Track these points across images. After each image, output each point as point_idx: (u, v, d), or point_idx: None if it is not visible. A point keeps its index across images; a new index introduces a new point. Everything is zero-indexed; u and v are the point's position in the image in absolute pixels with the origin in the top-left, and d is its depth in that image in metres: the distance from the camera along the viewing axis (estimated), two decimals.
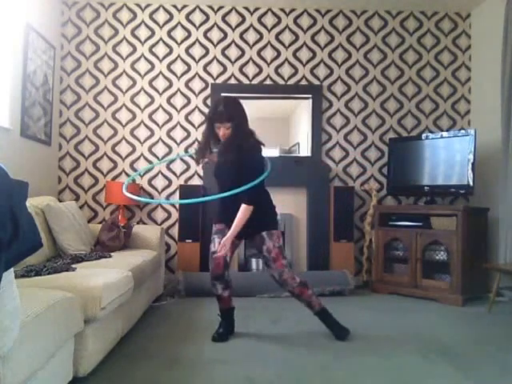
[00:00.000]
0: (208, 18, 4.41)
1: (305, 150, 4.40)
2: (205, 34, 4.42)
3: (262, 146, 2.54)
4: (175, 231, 4.27)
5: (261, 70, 4.43)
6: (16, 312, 1.26)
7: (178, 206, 4.20)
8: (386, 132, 4.49)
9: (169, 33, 4.40)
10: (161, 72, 4.39)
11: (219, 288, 2.59)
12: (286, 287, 2.56)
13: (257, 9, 4.44)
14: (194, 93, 4.39)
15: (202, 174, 4.32)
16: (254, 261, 4.20)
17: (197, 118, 4.39)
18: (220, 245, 2.47)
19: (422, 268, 3.79)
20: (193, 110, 4.39)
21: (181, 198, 4.08)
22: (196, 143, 2.72)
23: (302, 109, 4.46)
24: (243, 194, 2.38)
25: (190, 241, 4.02)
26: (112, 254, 3.07)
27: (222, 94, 2.62)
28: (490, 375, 2.08)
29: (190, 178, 4.36)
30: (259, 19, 4.44)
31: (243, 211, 2.44)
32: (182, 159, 4.36)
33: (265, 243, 2.52)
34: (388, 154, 4.32)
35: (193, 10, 4.41)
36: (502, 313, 3.30)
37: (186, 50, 4.41)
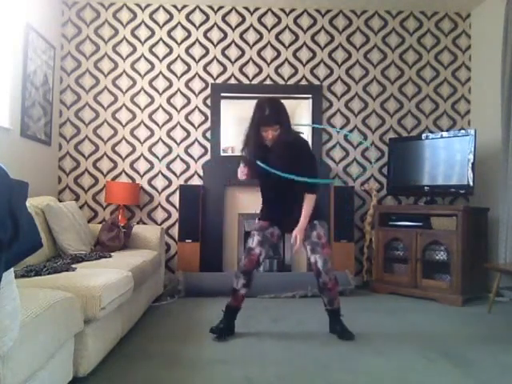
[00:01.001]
0: (208, 18, 4.41)
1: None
2: (205, 34, 4.42)
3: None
4: (175, 231, 4.27)
5: (261, 70, 4.43)
6: (16, 312, 1.26)
7: (178, 205, 4.20)
8: (386, 132, 4.49)
9: (169, 33, 4.40)
10: (161, 72, 4.39)
11: (240, 283, 2.62)
12: (323, 277, 2.55)
13: (257, 9, 4.44)
14: (193, 93, 4.39)
15: (201, 173, 4.32)
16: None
17: (197, 117, 4.39)
18: (294, 237, 2.52)
19: (421, 268, 3.79)
20: (193, 110, 4.39)
21: (181, 197, 4.07)
22: (243, 151, 2.60)
23: (302, 109, 4.46)
24: (303, 186, 2.44)
25: (189, 241, 4.02)
26: (112, 253, 3.07)
27: (263, 96, 2.59)
28: (490, 375, 2.08)
29: (190, 177, 4.36)
30: (259, 19, 4.44)
31: (310, 201, 2.52)
32: (181, 159, 4.36)
33: (315, 229, 2.57)
34: (388, 154, 4.32)
35: (193, 10, 4.41)
36: (502, 313, 3.31)
37: (186, 50, 4.41)
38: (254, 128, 2.49)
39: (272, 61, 4.44)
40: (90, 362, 1.92)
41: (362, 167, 4.44)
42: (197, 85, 4.40)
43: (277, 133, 2.44)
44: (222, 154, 4.35)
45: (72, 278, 2.06)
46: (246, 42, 4.43)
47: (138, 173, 4.34)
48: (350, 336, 2.58)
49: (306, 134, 4.39)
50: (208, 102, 4.38)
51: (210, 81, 4.40)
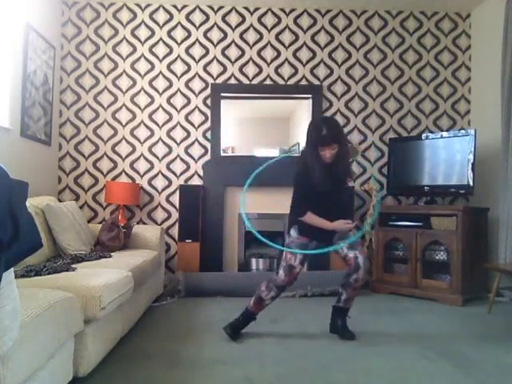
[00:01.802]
0: (208, 18, 4.41)
1: None
2: (205, 34, 4.42)
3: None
4: (175, 231, 4.27)
5: (261, 70, 4.43)
6: (16, 312, 1.26)
7: (178, 205, 4.20)
8: (386, 132, 4.49)
9: (169, 33, 4.40)
10: (161, 72, 4.39)
11: (270, 295, 2.61)
12: (360, 274, 2.52)
13: (257, 9, 4.44)
14: (193, 93, 4.39)
15: (201, 174, 4.32)
16: (253, 261, 4.20)
17: (197, 118, 4.39)
18: (345, 227, 2.51)
19: (422, 268, 3.79)
20: (193, 110, 4.39)
21: (181, 197, 4.07)
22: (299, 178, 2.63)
23: (302, 109, 4.46)
24: (344, 209, 2.61)
25: (189, 241, 4.02)
26: (112, 253, 3.07)
27: (319, 117, 2.61)
28: (490, 375, 2.08)
29: (190, 178, 4.36)
30: (259, 19, 4.44)
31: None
32: (181, 159, 4.36)
33: (352, 230, 2.58)
34: (388, 154, 4.32)
35: (193, 10, 4.41)
36: (502, 313, 3.30)
37: (186, 50, 4.41)
38: (311, 148, 2.49)
39: (272, 61, 4.44)
40: (90, 362, 1.92)
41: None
42: (197, 85, 4.40)
43: (334, 151, 2.45)
44: (222, 154, 4.35)
45: (72, 278, 2.06)
46: (246, 42, 4.43)
47: (138, 173, 4.34)
48: (351, 336, 2.58)
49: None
50: (208, 102, 4.38)
51: (210, 81, 4.40)
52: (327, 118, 2.58)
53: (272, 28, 4.45)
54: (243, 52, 4.43)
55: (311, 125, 2.56)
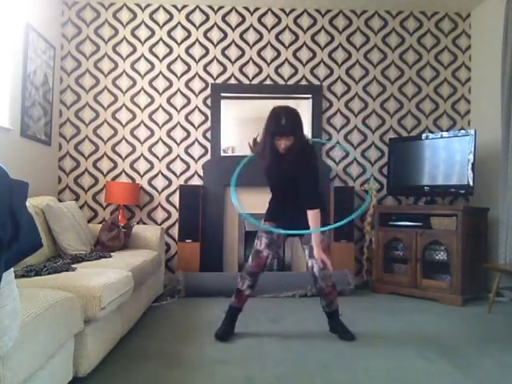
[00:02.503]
0: (208, 18, 4.41)
1: None
2: (205, 34, 4.42)
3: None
4: (175, 231, 4.27)
5: (261, 70, 4.43)
6: (16, 312, 1.26)
7: (178, 205, 4.20)
8: (386, 132, 4.49)
9: (169, 33, 4.40)
10: (161, 72, 4.39)
11: (246, 284, 2.63)
12: (320, 283, 2.55)
13: (257, 9, 4.44)
14: (193, 93, 4.39)
15: (202, 174, 4.32)
16: None
17: (197, 117, 4.39)
18: (322, 265, 2.49)
19: (422, 268, 3.79)
20: (193, 110, 4.39)
21: (181, 197, 4.07)
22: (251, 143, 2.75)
23: (302, 109, 4.45)
24: (306, 200, 2.48)
25: (189, 241, 4.02)
26: (112, 253, 3.07)
27: (279, 106, 2.56)
28: (490, 375, 2.08)
29: (190, 178, 4.36)
30: (259, 19, 4.44)
31: (315, 218, 2.47)
32: (181, 159, 4.36)
33: (315, 234, 2.53)
34: (388, 154, 4.32)
35: (193, 10, 4.41)
36: (502, 313, 3.30)
37: (186, 50, 4.41)
38: (268, 138, 2.47)
39: (272, 61, 4.44)
40: (90, 362, 1.92)
41: (364, 169, 4.44)
42: (197, 85, 4.40)
43: (289, 143, 2.44)
44: (222, 154, 4.35)
45: (72, 278, 2.06)
46: (246, 42, 4.43)
47: (138, 173, 4.34)
48: (351, 337, 2.58)
49: (306, 134, 4.40)
50: (208, 102, 4.38)
51: (210, 81, 4.40)
52: (288, 108, 2.53)
53: (272, 28, 4.45)
54: (243, 52, 4.43)
55: (271, 113, 2.50)
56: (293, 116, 2.47)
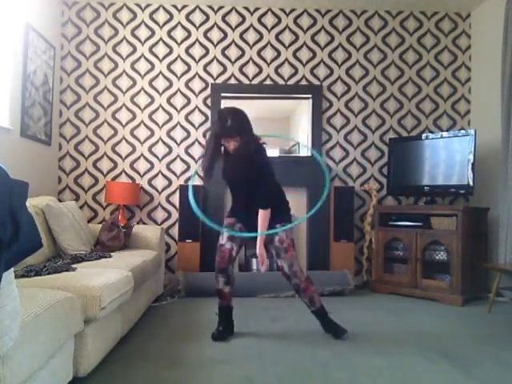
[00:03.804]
0: (208, 18, 4.41)
1: (305, 150, 4.40)
2: (205, 34, 4.42)
3: (265, 146, 2.64)
4: (175, 231, 4.27)
5: (261, 70, 4.43)
6: (16, 312, 1.26)
7: (177, 205, 4.20)
8: (386, 132, 4.49)
9: (169, 33, 4.40)
10: (161, 72, 4.39)
11: (221, 282, 2.67)
12: (293, 280, 2.58)
13: (257, 9, 4.44)
14: (193, 93, 4.39)
15: (201, 174, 4.31)
16: (254, 261, 4.20)
17: (197, 117, 4.39)
18: (260, 259, 2.56)
19: (422, 268, 3.79)
20: (193, 110, 4.39)
21: (181, 197, 4.07)
22: (200, 162, 2.73)
23: (302, 109, 4.46)
24: (257, 198, 2.52)
25: (189, 241, 4.02)
26: (112, 254, 3.07)
27: (223, 107, 2.57)
28: (490, 375, 2.08)
29: (190, 177, 4.36)
30: (259, 19, 4.44)
31: (263, 217, 2.52)
32: (181, 159, 4.36)
33: (278, 234, 2.56)
34: (388, 154, 4.32)
35: (193, 10, 4.41)
36: (502, 313, 3.31)
37: (186, 50, 4.41)
38: (213, 140, 2.52)
39: (272, 61, 4.44)
40: (90, 362, 1.92)
41: (362, 168, 4.44)
42: (197, 85, 4.40)
43: (237, 143, 2.46)
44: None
45: (72, 278, 2.06)
46: (246, 42, 4.43)
47: (138, 173, 4.34)
48: (343, 331, 2.58)
49: (306, 134, 4.40)
50: (208, 102, 4.38)
51: (210, 81, 4.40)
52: (232, 109, 2.55)
53: (272, 28, 4.45)
54: (243, 52, 4.43)
55: (218, 115, 2.53)
56: (237, 116, 2.49)
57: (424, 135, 4.12)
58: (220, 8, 4.42)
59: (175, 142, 4.37)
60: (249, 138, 2.49)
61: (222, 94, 4.35)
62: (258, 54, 4.43)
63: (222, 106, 2.59)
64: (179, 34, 4.40)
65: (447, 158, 3.96)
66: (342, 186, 4.37)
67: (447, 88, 4.53)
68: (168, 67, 4.39)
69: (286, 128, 4.53)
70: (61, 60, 4.30)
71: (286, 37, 4.45)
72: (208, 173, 2.60)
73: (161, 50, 4.39)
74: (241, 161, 2.48)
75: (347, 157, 4.46)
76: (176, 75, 4.39)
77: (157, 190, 4.35)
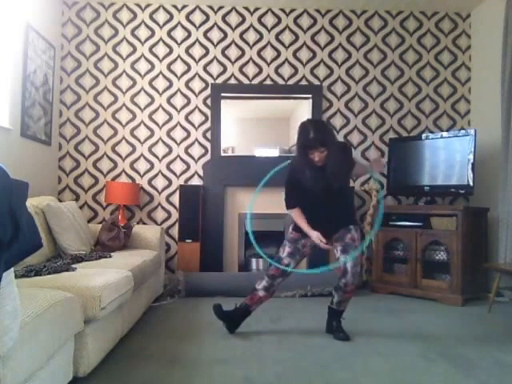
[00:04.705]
0: (208, 18, 4.41)
1: None
2: (205, 34, 4.42)
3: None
4: (175, 231, 4.27)
5: (261, 70, 4.43)
6: (16, 312, 1.26)
7: (178, 205, 4.20)
8: (386, 132, 4.49)
9: (169, 33, 4.40)
10: (161, 72, 4.39)
11: (262, 284, 2.67)
12: (348, 278, 2.56)
13: (257, 9, 4.44)
14: (194, 93, 4.39)
15: (201, 174, 4.32)
16: (253, 261, 4.20)
17: (197, 117, 4.39)
18: (320, 240, 2.53)
19: (421, 268, 3.79)
20: (193, 110, 4.39)
21: (181, 197, 4.07)
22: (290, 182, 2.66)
23: (302, 109, 4.45)
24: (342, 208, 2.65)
25: (189, 241, 4.02)
26: (112, 254, 3.07)
27: (307, 119, 2.58)
28: (490, 375, 2.08)
29: (190, 178, 4.36)
30: (259, 19, 4.44)
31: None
32: (181, 159, 4.37)
33: (351, 233, 2.59)
34: (388, 154, 4.32)
35: (193, 10, 4.41)
36: (502, 313, 3.31)
37: (186, 50, 4.41)
38: (300, 151, 2.51)
39: (272, 61, 4.44)
40: (90, 362, 1.92)
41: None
42: (197, 85, 4.40)
43: (323, 154, 2.45)
44: (222, 154, 4.34)
45: (72, 278, 2.06)
46: (246, 42, 4.43)
47: (138, 173, 4.34)
48: (345, 337, 2.58)
49: None
50: (208, 102, 4.38)
51: (210, 81, 4.40)
52: (315, 120, 2.58)
53: (272, 28, 4.45)
54: (243, 52, 4.43)
55: (300, 127, 2.55)
56: (321, 127, 2.51)
57: (424, 135, 4.12)
58: (220, 8, 4.42)
59: (175, 142, 4.37)
60: (334, 146, 2.50)
61: (222, 94, 4.36)
62: (258, 54, 4.43)
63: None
64: (179, 34, 4.40)
65: (447, 158, 3.96)
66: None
67: (447, 88, 4.53)
68: (168, 67, 4.39)
69: (285, 128, 4.52)
70: (61, 60, 4.30)
71: (286, 37, 4.45)
72: (316, 184, 2.52)
73: (161, 50, 4.39)
74: (331, 172, 2.49)
75: None
76: (176, 75, 4.39)
77: (157, 190, 4.35)
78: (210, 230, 4.17)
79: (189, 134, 4.38)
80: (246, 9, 4.44)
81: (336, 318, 2.67)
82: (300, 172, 2.53)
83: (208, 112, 4.38)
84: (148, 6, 4.38)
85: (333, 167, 2.49)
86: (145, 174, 4.35)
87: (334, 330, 2.64)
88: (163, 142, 4.37)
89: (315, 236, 2.53)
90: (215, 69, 4.41)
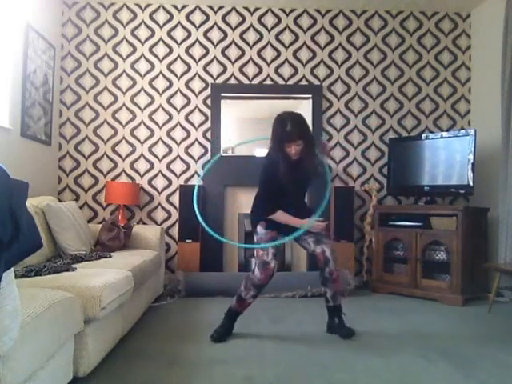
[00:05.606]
0: (208, 18, 4.41)
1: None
2: (205, 34, 4.42)
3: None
4: (175, 231, 4.27)
5: (261, 70, 4.43)
6: (16, 312, 1.26)
7: (178, 205, 4.20)
8: (386, 132, 4.49)
9: (169, 33, 4.40)
10: (161, 72, 4.39)
11: (250, 294, 2.60)
12: (331, 266, 2.56)
13: (257, 9, 4.44)
14: (194, 93, 4.39)
15: (201, 174, 4.32)
16: (253, 261, 4.19)
17: (197, 117, 4.39)
18: (314, 226, 2.54)
19: (421, 268, 3.79)
20: (193, 110, 4.39)
21: (181, 197, 4.07)
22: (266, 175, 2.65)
23: (302, 109, 4.45)
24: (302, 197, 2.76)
25: (189, 241, 4.02)
26: (112, 254, 3.07)
27: (283, 112, 2.55)
28: (490, 375, 2.08)
29: (190, 177, 4.36)
30: (259, 19, 4.44)
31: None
32: (181, 159, 4.37)
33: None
34: (388, 154, 4.32)
35: (193, 10, 4.41)
36: (502, 313, 3.31)
37: (186, 50, 4.41)
38: (277, 145, 2.47)
39: (272, 61, 4.44)
40: (90, 362, 1.92)
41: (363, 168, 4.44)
42: (197, 85, 4.40)
43: (299, 147, 2.44)
44: (223, 154, 4.34)
45: (72, 278, 2.06)
46: (246, 42, 4.43)
47: (138, 173, 4.34)
48: (350, 332, 2.58)
49: None
50: (208, 102, 4.38)
51: (210, 81, 4.40)
52: (292, 113, 2.52)
53: (272, 28, 4.45)
54: (243, 52, 4.43)
55: (276, 120, 2.50)
56: (298, 120, 2.48)
57: (424, 135, 4.12)
58: (220, 8, 4.42)
59: (175, 142, 4.37)
60: (311, 140, 2.50)
61: (222, 94, 4.36)
62: (258, 53, 4.43)
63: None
64: (179, 34, 4.40)
65: (447, 157, 3.96)
66: (343, 186, 4.36)
67: (447, 88, 4.53)
68: (168, 67, 4.39)
69: None
70: (61, 60, 4.30)
71: (286, 37, 4.45)
72: (291, 178, 2.51)
73: (161, 50, 4.39)
74: (307, 165, 2.50)
75: (347, 157, 4.46)
76: (176, 75, 4.39)
77: (157, 190, 4.35)
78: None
79: (189, 134, 4.38)
80: (246, 9, 4.44)
81: (337, 315, 2.66)
82: (276, 165, 2.49)
83: (208, 112, 4.38)
84: (148, 5, 4.38)
85: (309, 160, 2.49)
86: (145, 173, 4.35)
87: (338, 327, 2.63)
88: (163, 141, 4.37)
89: (310, 222, 2.53)
90: (215, 69, 4.41)
